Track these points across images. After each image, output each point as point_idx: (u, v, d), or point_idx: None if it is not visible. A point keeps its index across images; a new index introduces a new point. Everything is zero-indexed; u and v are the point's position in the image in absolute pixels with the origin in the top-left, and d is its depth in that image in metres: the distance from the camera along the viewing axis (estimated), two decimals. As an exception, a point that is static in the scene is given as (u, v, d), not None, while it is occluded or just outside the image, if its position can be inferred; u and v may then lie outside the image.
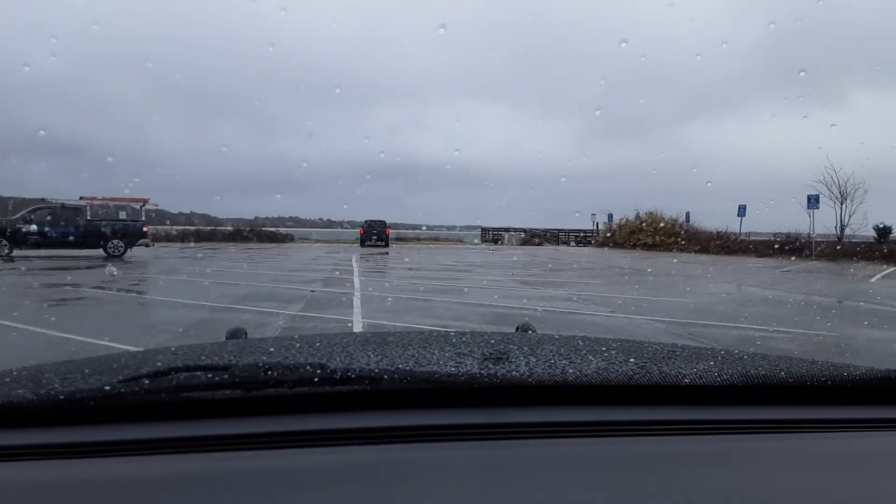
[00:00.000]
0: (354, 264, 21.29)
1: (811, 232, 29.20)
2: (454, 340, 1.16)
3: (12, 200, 24.54)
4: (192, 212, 43.37)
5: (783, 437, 0.93)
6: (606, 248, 39.21)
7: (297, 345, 1.13)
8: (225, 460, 0.81)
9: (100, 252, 23.20)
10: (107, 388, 0.89)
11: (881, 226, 29.63)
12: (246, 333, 1.64)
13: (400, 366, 0.97)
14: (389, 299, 11.57)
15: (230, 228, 40.16)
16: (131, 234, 24.17)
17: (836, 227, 29.73)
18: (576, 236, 49.34)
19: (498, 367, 0.97)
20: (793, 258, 26.74)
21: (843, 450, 0.91)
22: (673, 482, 0.78)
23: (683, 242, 34.76)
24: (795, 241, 29.33)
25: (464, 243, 47.86)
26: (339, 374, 0.91)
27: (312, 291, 12.62)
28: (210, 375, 0.91)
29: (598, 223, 46.75)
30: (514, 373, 0.96)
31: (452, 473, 0.79)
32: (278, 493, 0.72)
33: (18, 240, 21.95)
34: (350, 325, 8.57)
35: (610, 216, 43.64)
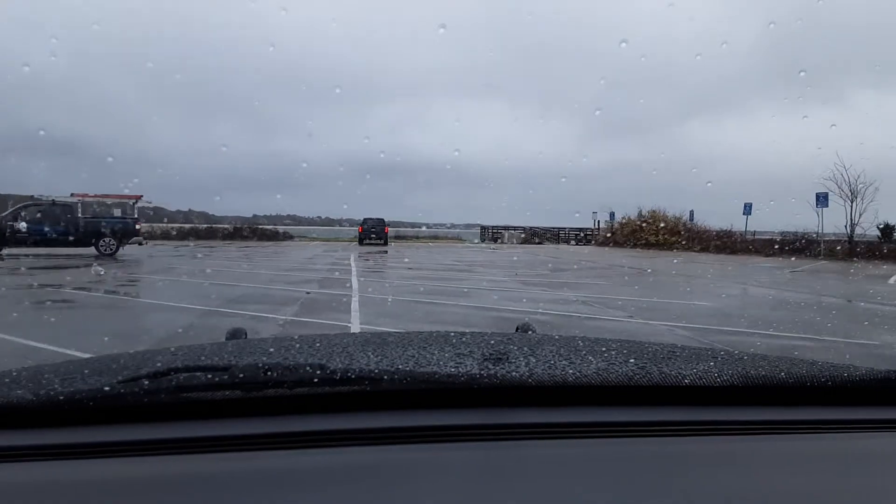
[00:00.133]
0: (352, 263, 20.73)
1: (820, 231, 28.41)
2: (454, 341, 1.15)
3: (12, 199, 23.99)
4: (190, 210, 43.45)
5: (783, 438, 0.94)
6: (608, 247, 38.74)
7: (297, 345, 1.13)
8: (225, 461, 0.81)
9: (92, 250, 22.89)
10: (106, 388, 0.89)
11: (882, 225, 29.17)
12: (246, 334, 1.64)
13: (400, 366, 0.97)
14: (390, 302, 11.14)
15: (227, 227, 39.30)
16: (124, 232, 23.68)
17: (846, 226, 28.97)
18: (576, 235, 49.06)
19: (498, 368, 0.97)
20: (801, 258, 26.00)
21: (843, 450, 0.91)
22: (673, 483, 0.79)
23: (687, 242, 33.97)
24: (803, 241, 28.51)
25: (463, 242, 47.56)
26: (338, 374, 0.92)
27: (308, 293, 12.20)
28: (210, 376, 0.91)
29: (598, 222, 46.30)
30: (513, 373, 0.96)
31: (452, 474, 0.79)
32: (278, 494, 0.73)
33: (7, 238, 21.59)
34: (348, 331, 7.80)
35: (612, 214, 43.18)
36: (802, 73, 15.39)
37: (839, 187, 28.75)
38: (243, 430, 0.87)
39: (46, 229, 22.49)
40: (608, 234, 43.27)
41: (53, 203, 23.60)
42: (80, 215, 24.05)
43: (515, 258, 26.98)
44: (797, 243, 28.78)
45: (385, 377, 0.93)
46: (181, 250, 27.54)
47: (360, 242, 37.63)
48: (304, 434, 0.86)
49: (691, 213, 37.56)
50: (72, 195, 25.19)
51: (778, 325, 8.81)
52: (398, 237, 45.33)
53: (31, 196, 24.72)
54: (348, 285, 13.82)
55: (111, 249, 23.15)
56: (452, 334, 1.22)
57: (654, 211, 39.05)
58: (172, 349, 1.16)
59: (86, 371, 0.99)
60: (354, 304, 10.52)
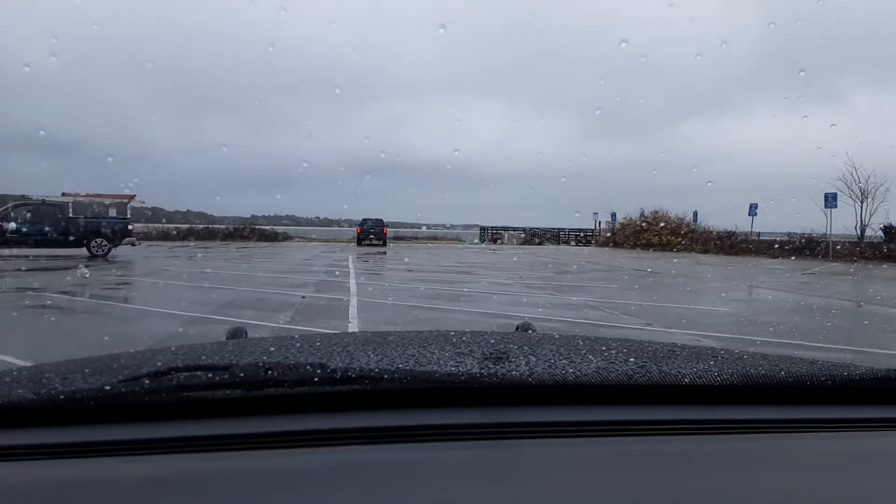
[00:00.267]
0: (350, 265, 20.13)
1: (828, 232, 27.63)
2: (454, 340, 1.16)
3: (11, 199, 23.46)
4: (188, 210, 43.29)
5: (784, 437, 0.94)
6: (609, 248, 38.09)
7: (298, 344, 1.14)
8: (225, 460, 0.82)
9: (84, 251, 22.51)
10: (107, 387, 0.89)
11: (884, 226, 28.62)
12: (246, 333, 1.63)
13: (400, 365, 0.97)
14: (390, 307, 10.63)
15: (224, 227, 38.61)
16: (116, 232, 23.19)
17: (856, 227, 28.24)
18: (576, 236, 48.66)
19: (498, 367, 0.98)
20: (810, 259, 25.36)
21: (843, 449, 0.92)
22: (673, 481, 0.80)
23: (690, 243, 33.25)
24: (811, 242, 27.72)
25: (462, 243, 47.28)
26: (339, 373, 0.92)
27: (303, 297, 11.74)
28: (210, 375, 0.92)
29: (599, 222, 45.64)
30: (514, 372, 0.97)
31: (452, 473, 0.80)
32: (278, 493, 0.73)
33: (-3, 238, 20.48)
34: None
35: (613, 215, 42.58)
36: (802, 73, 15.14)
37: (849, 187, 28.07)
38: (244, 429, 0.87)
39: (36, 230, 22.03)
40: (608, 235, 42.89)
41: (44, 203, 23.05)
42: (71, 215, 23.58)
43: (517, 259, 26.48)
44: (805, 245, 28.01)
45: (385, 376, 0.93)
46: (176, 251, 26.97)
47: (359, 243, 37.11)
48: (304, 433, 0.87)
49: (695, 213, 37.13)
50: (63, 195, 24.66)
51: (809, 335, 8.38)
52: (397, 238, 45.00)
53: (22, 196, 23.93)
54: (346, 289, 13.18)
55: (103, 250, 22.74)
56: (452, 333, 1.22)
57: (656, 211, 38.61)
58: (173, 348, 1.16)
59: (86, 370, 0.99)
60: (352, 310, 10.12)
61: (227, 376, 0.91)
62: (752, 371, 1.02)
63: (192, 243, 35.03)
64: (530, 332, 1.64)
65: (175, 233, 37.67)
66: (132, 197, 25.98)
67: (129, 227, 24.21)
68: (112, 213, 25.44)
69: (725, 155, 49.71)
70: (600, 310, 10.70)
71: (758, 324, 9.35)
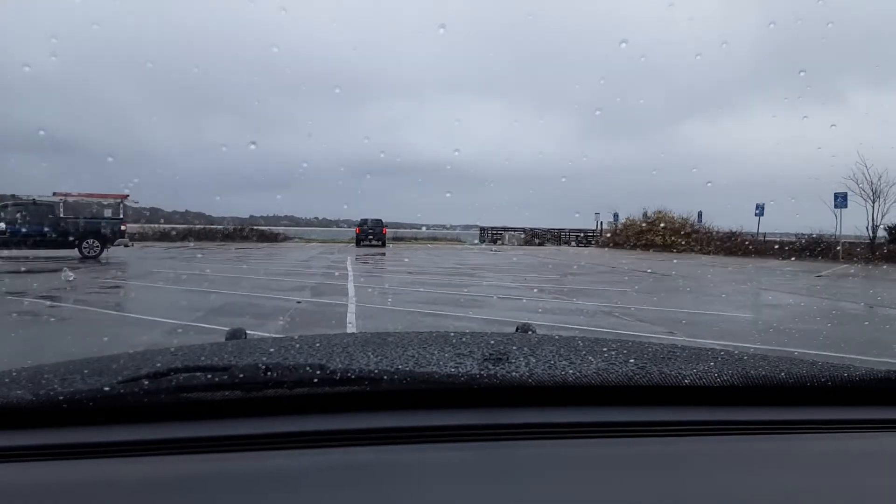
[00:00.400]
0: (349, 267, 19.50)
1: (838, 232, 26.96)
2: (454, 341, 1.17)
3: (1, 199, 23.20)
4: (187, 210, 42.84)
5: (783, 438, 0.95)
6: (612, 249, 37.38)
7: (297, 345, 1.14)
8: (225, 461, 0.83)
9: (75, 252, 22.10)
10: (106, 388, 0.90)
11: (888, 226, 28.30)
12: (245, 334, 1.64)
13: (399, 366, 0.98)
14: (391, 313, 10.38)
15: (221, 227, 37.95)
16: (108, 233, 22.56)
17: (867, 228, 27.53)
18: (576, 236, 47.96)
19: (498, 368, 0.98)
20: (820, 261, 24.83)
21: (843, 450, 0.93)
22: (673, 482, 0.80)
23: (695, 244, 32.54)
24: (821, 243, 26.98)
25: (462, 243, 47.06)
26: (338, 374, 0.93)
27: (299, 302, 11.26)
28: (210, 376, 0.92)
29: (601, 223, 44.87)
30: (513, 373, 0.97)
31: (452, 474, 0.81)
32: (278, 494, 0.74)
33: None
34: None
35: (615, 215, 41.99)
36: (802, 74, 15.00)
37: (860, 187, 27.33)
38: (243, 430, 0.88)
39: (26, 230, 21.44)
40: (607, 236, 42.39)
41: (34, 203, 22.45)
42: (62, 215, 22.87)
43: (519, 261, 25.95)
44: (814, 245, 27.33)
45: (385, 377, 0.93)
46: (171, 252, 26.40)
47: (358, 244, 36.57)
48: (303, 434, 0.87)
49: (699, 213, 36.67)
50: (54, 194, 24.00)
51: (845, 345, 7.86)
52: (396, 238, 44.47)
53: (13, 195, 23.20)
54: (344, 293, 12.54)
55: (95, 251, 22.28)
56: (452, 334, 1.22)
57: (659, 212, 38.12)
58: (172, 349, 1.17)
59: (86, 371, 0.99)
60: (350, 317, 9.72)
61: (226, 377, 0.91)
62: (752, 372, 1.02)
63: (191, 244, 34.72)
64: (530, 333, 1.64)
65: (174, 233, 37.48)
66: (125, 197, 25.38)
67: (122, 227, 23.83)
68: (105, 213, 24.87)
69: (726, 155, 49.93)
70: (615, 316, 10.16)
71: (785, 332, 8.78)
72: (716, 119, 72.41)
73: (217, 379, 0.91)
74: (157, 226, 36.70)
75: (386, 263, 24.53)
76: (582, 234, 48.31)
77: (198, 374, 0.93)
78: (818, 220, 31.30)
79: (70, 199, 24.40)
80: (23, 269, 17.14)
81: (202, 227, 39.72)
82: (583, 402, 0.97)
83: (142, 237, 34.18)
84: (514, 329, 1.72)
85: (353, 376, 0.92)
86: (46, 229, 21.58)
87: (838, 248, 27.17)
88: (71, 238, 21.93)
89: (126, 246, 23.98)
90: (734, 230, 33.86)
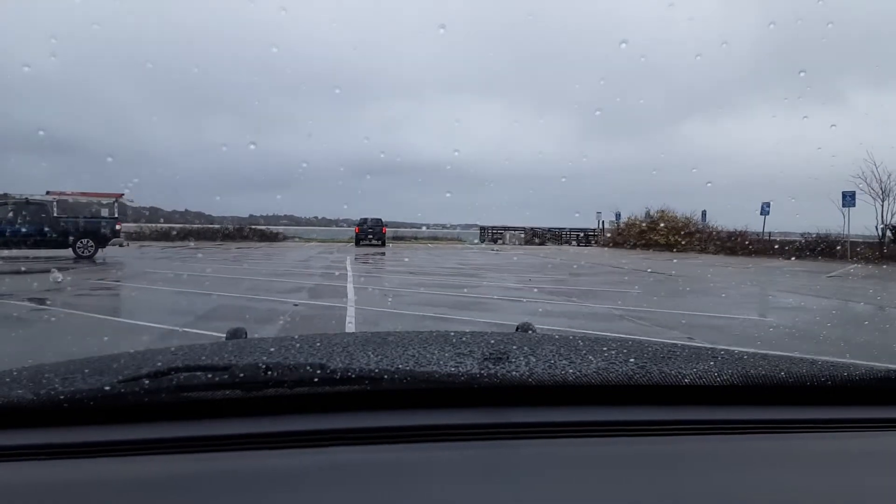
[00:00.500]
0: (348, 267, 18.99)
1: (846, 232, 26.37)
2: (454, 340, 1.17)
3: (4, 197, 22.79)
4: (186, 210, 43.06)
5: (783, 437, 0.95)
6: (614, 249, 36.93)
7: (298, 345, 1.14)
8: (225, 460, 0.83)
9: (69, 252, 21.79)
10: (107, 388, 0.90)
11: (886, 226, 27.70)
12: (246, 333, 1.65)
13: (400, 366, 0.98)
14: (392, 317, 9.92)
15: (219, 227, 37.45)
16: (103, 232, 21.93)
17: (877, 227, 26.97)
18: (577, 236, 47.05)
19: (498, 367, 0.98)
20: (827, 261, 24.30)
21: (843, 450, 0.93)
22: (673, 482, 0.81)
23: (699, 243, 31.97)
24: (829, 243, 26.39)
25: (463, 243, 46.54)
26: (339, 374, 0.93)
27: (295, 305, 10.78)
28: (210, 375, 0.93)
29: (603, 222, 44.20)
30: (514, 373, 0.97)
31: (452, 473, 0.81)
32: (279, 493, 0.74)
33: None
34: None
35: (618, 215, 41.55)
36: (802, 74, 15.16)
37: (869, 185, 26.75)
38: (243, 429, 0.88)
39: (18, 229, 20.91)
40: (607, 235, 41.90)
41: (27, 201, 21.87)
42: (55, 215, 22.31)
43: (522, 261, 25.48)
44: (821, 245, 26.73)
45: (385, 377, 0.94)
46: (168, 252, 25.92)
47: (357, 243, 36.14)
48: (304, 433, 0.87)
49: (703, 213, 36.29)
50: (48, 193, 23.44)
51: (878, 352, 7.32)
52: (396, 238, 44.13)
53: (5, 194, 22.65)
54: (343, 295, 12.02)
55: (89, 251, 21.90)
56: (452, 334, 1.22)
57: (662, 211, 37.74)
58: (173, 349, 1.18)
59: (86, 370, 1.00)
60: (350, 320, 9.35)
61: (226, 377, 0.91)
62: (752, 371, 1.03)
63: (191, 243, 34.36)
64: (530, 332, 1.64)
65: (175, 233, 37.35)
66: (120, 196, 24.93)
67: (117, 226, 23.37)
68: (99, 212, 24.31)
69: (726, 155, 50.18)
70: (628, 320, 9.70)
71: (813, 338, 8.39)
72: (716, 119, 72.32)
73: (217, 378, 0.91)
74: (154, 225, 36.31)
75: (386, 263, 24.21)
76: (582, 234, 48.14)
77: (198, 373, 0.93)
78: (821, 220, 30.93)
79: (64, 199, 23.98)
80: (13, 269, 16.82)
81: (200, 226, 39.65)
82: (583, 401, 0.97)
83: (139, 237, 33.77)
84: (514, 329, 1.70)
85: (353, 376, 0.93)
86: (39, 229, 21.20)
87: (846, 247, 26.53)
88: (65, 238, 21.59)
89: (121, 246, 23.71)
90: (739, 229, 33.51)
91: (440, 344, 1.13)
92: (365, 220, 37.39)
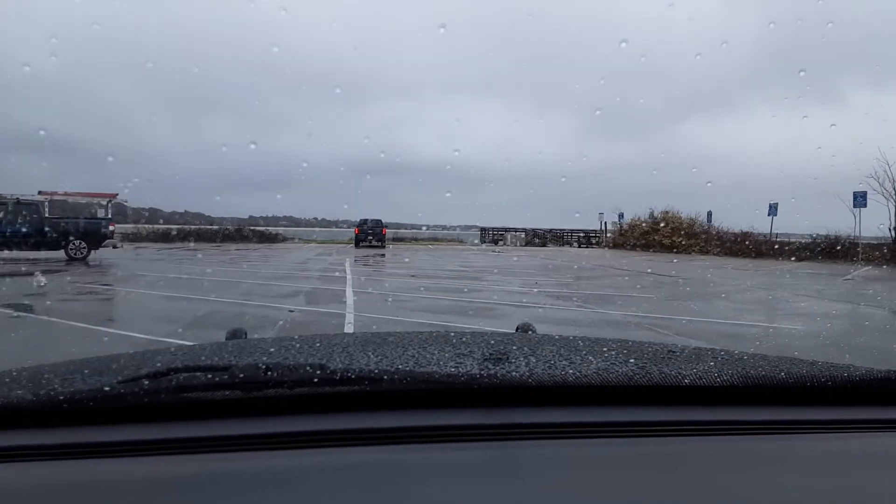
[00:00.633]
0: (348, 270, 18.42)
1: (857, 233, 25.77)
2: (454, 341, 1.17)
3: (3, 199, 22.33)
4: (186, 210, 42.65)
5: (783, 438, 0.96)
6: (618, 250, 36.37)
7: (297, 345, 1.15)
8: (225, 461, 0.83)
9: (61, 254, 21.42)
10: (106, 388, 0.91)
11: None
12: (246, 334, 1.65)
13: (400, 366, 0.99)
14: (394, 325, 9.36)
15: (216, 228, 36.84)
16: (95, 233, 21.15)
17: (889, 228, 26.22)
18: (578, 237, 46.24)
19: (498, 368, 0.99)
20: (839, 262, 23.78)
21: (843, 450, 0.93)
22: (673, 482, 0.81)
23: (705, 245, 31.27)
24: (838, 244, 25.78)
25: (463, 244, 46.09)
26: (338, 374, 0.93)
27: (291, 311, 10.31)
28: (210, 376, 0.93)
29: (605, 223, 43.63)
30: (514, 373, 0.98)
31: (452, 474, 0.81)
32: (279, 494, 0.74)
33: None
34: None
35: (621, 215, 40.95)
36: (802, 73, 14.68)
37: (881, 185, 26.10)
38: (243, 430, 0.88)
39: (8, 230, 20.18)
40: (607, 236, 41.24)
41: (17, 201, 21.12)
42: (46, 215, 21.69)
43: (525, 262, 25.00)
44: (832, 247, 26.10)
45: (385, 377, 0.94)
46: (163, 254, 25.44)
47: (357, 245, 35.64)
48: (304, 434, 0.88)
49: (709, 213, 35.84)
50: (39, 193, 22.82)
51: None
52: (396, 239, 43.67)
53: (-1, 194, 21.97)
54: (342, 300, 11.38)
55: (82, 253, 21.42)
56: (452, 334, 1.22)
57: (666, 212, 37.17)
58: (172, 349, 1.17)
59: (86, 371, 1.00)
60: (349, 329, 8.92)
61: (226, 377, 0.92)
62: (752, 372, 1.03)
63: (191, 244, 33.99)
64: (530, 332, 1.65)
65: (175, 233, 37.08)
66: (114, 196, 24.35)
67: (111, 227, 22.79)
68: (95, 212, 23.68)
69: (726, 155, 50.03)
70: (647, 328, 9.25)
71: (849, 347, 7.66)
72: (716, 119, 72.00)
73: (217, 379, 0.92)
74: (151, 226, 35.75)
75: (386, 266, 23.90)
76: (583, 235, 47.84)
77: (198, 373, 0.93)
78: (825, 220, 30.40)
79: (56, 199, 23.38)
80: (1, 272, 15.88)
81: (197, 227, 39.25)
82: (583, 401, 0.97)
83: (136, 238, 33.25)
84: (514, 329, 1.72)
85: (353, 376, 0.93)
86: (30, 230, 20.78)
87: (857, 248, 25.86)
88: (56, 239, 21.22)
89: (115, 247, 23.40)
90: (745, 231, 32.96)
91: (440, 344, 1.13)
92: (365, 221, 37.02)
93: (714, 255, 30.92)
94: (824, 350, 7.70)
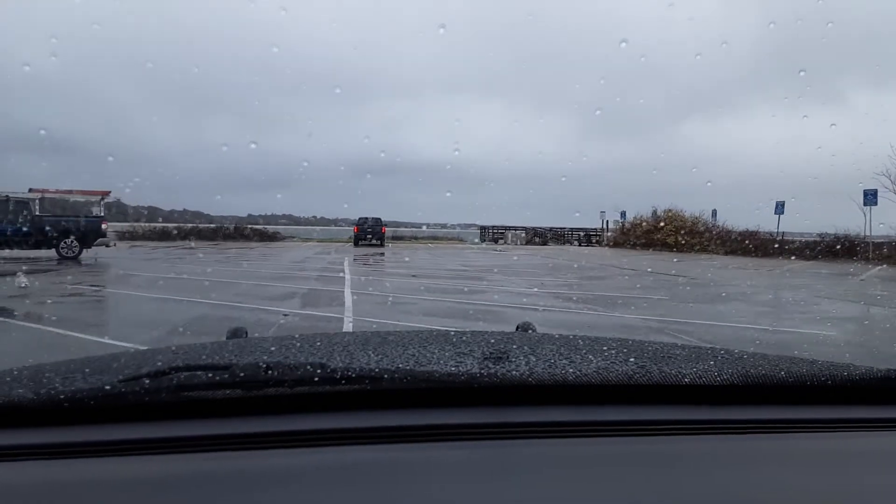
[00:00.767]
0: (346, 270, 17.87)
1: (868, 232, 25.19)
2: (454, 340, 1.17)
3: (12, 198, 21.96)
4: (185, 209, 42.84)
5: (784, 437, 0.96)
6: (620, 249, 35.58)
7: (298, 344, 1.15)
8: (225, 460, 0.84)
9: (53, 253, 21.05)
10: (107, 387, 0.91)
11: None
12: (246, 333, 1.65)
13: (400, 365, 0.99)
14: (396, 329, 7.41)
15: (215, 226, 36.33)
16: (88, 232, 20.65)
17: (901, 227, 25.53)
18: (579, 235, 46.15)
19: (498, 367, 0.99)
20: (849, 262, 23.28)
21: (843, 449, 0.94)
22: (673, 481, 0.81)
23: (710, 244, 30.65)
24: (846, 242, 25.19)
25: (464, 243, 45.68)
26: (339, 373, 0.93)
27: (285, 315, 9.72)
28: (210, 375, 0.93)
29: (607, 221, 43.09)
30: (514, 372, 0.98)
31: (453, 473, 0.82)
32: (279, 492, 0.75)
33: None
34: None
35: (623, 214, 40.50)
36: (802, 73, 14.59)
37: (894, 183, 25.47)
38: (244, 428, 0.89)
39: None
40: (608, 235, 40.63)
41: (7, 199, 20.41)
42: (37, 213, 21.01)
43: (527, 262, 24.54)
44: (842, 245, 25.46)
45: (385, 376, 0.94)
46: (158, 252, 24.96)
47: (356, 243, 35.22)
48: (304, 433, 0.88)
49: (714, 212, 35.55)
50: (30, 190, 22.18)
51: None
52: (396, 238, 43.36)
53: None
54: (340, 302, 10.77)
55: (74, 252, 20.98)
56: (452, 333, 1.22)
57: (670, 210, 36.46)
58: (173, 348, 1.18)
59: (87, 370, 1.01)
60: None
61: (227, 376, 0.92)
62: (752, 371, 1.03)
63: (192, 243, 33.59)
64: (530, 331, 1.65)
65: (175, 232, 36.93)
66: (107, 193, 23.81)
67: (103, 226, 22.10)
68: (86, 210, 23.08)
69: (726, 155, 50.10)
70: (668, 334, 8.53)
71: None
72: (716, 119, 71.85)
73: (218, 378, 0.92)
74: (148, 225, 35.27)
75: (386, 265, 23.57)
76: (584, 234, 47.74)
77: (199, 372, 0.93)
78: (830, 219, 29.77)
79: (47, 196, 22.86)
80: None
81: (194, 225, 39.06)
82: (583, 400, 0.98)
83: (132, 236, 32.77)
84: (514, 329, 1.70)
85: (353, 375, 0.93)
86: (20, 228, 20.38)
87: (868, 247, 25.29)
88: (47, 237, 20.84)
89: (108, 246, 23.05)
90: (751, 229, 32.54)
91: (440, 343, 1.13)
92: (364, 220, 36.78)
93: (721, 254, 30.29)
94: (869, 357, 7.09)
